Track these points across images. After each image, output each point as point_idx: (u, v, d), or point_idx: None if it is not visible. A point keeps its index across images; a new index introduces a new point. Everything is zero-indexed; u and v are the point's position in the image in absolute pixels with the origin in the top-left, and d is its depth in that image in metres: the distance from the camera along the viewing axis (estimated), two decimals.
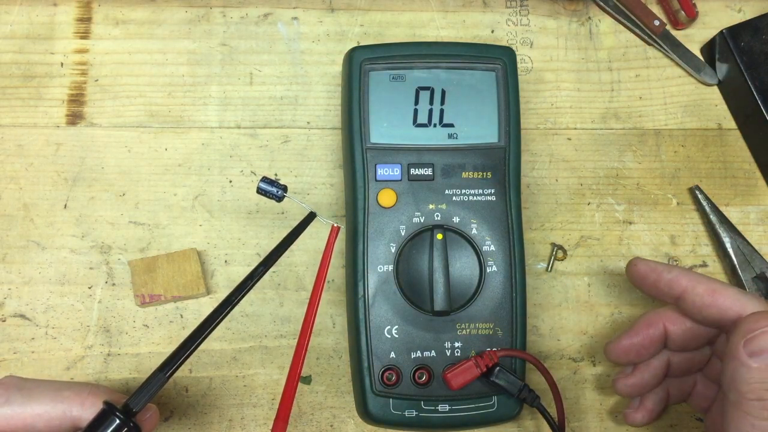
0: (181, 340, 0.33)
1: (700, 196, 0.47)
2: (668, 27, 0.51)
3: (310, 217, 0.38)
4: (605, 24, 0.51)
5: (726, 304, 0.35)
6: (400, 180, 0.42)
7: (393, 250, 0.41)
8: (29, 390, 0.33)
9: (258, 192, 0.38)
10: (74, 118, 0.47)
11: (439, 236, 0.40)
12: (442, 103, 0.43)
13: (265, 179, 0.38)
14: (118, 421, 0.31)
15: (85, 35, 0.49)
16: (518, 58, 0.48)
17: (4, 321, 0.44)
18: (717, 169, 0.49)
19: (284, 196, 0.38)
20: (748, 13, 0.51)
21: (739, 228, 0.47)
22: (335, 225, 0.39)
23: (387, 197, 0.41)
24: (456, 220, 0.41)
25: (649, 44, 0.51)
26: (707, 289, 0.36)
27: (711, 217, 0.47)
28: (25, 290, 0.45)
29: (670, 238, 0.47)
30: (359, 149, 0.42)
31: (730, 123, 0.50)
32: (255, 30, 0.50)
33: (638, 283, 0.39)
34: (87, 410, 0.32)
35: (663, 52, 0.51)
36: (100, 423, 0.31)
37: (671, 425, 0.44)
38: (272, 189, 0.38)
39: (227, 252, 0.46)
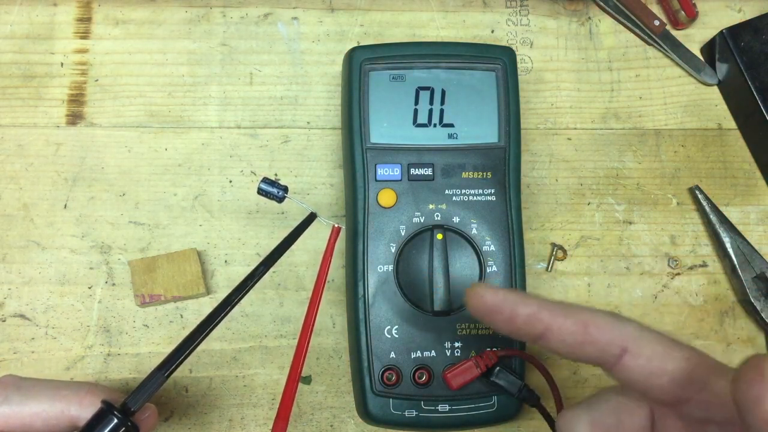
0: (182, 340, 0.33)
1: (700, 196, 0.47)
2: (668, 27, 0.51)
3: (311, 217, 0.38)
4: (605, 24, 0.51)
5: (604, 340, 0.27)
6: (400, 180, 0.42)
7: (393, 250, 0.41)
8: (27, 389, 0.32)
9: (259, 193, 0.38)
10: (74, 118, 0.47)
11: (439, 236, 0.40)
12: (442, 103, 0.43)
13: (265, 180, 0.38)
14: (115, 421, 0.31)
15: (85, 35, 0.49)
16: (518, 58, 0.48)
17: (4, 321, 0.44)
18: (717, 169, 0.49)
19: (285, 197, 0.38)
20: (748, 13, 0.51)
21: (739, 228, 0.47)
22: (336, 225, 0.39)
23: (387, 197, 0.41)
24: (456, 220, 0.41)
25: (649, 44, 0.51)
26: (577, 323, 0.28)
27: (711, 217, 0.47)
28: (25, 290, 0.45)
29: (670, 238, 0.48)
30: (359, 149, 0.42)
31: (730, 123, 0.50)
32: (255, 30, 0.50)
33: (488, 319, 0.30)
34: (85, 409, 0.32)
35: (663, 52, 0.51)
36: (97, 422, 0.31)
37: None
38: (273, 190, 0.38)
39: (227, 252, 0.46)
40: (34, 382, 0.33)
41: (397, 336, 0.40)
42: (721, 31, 0.49)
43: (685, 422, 0.28)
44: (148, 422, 0.33)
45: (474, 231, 0.41)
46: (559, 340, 0.28)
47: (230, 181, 0.47)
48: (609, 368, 0.28)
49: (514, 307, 0.28)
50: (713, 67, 0.50)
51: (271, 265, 0.35)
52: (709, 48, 0.50)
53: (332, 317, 0.45)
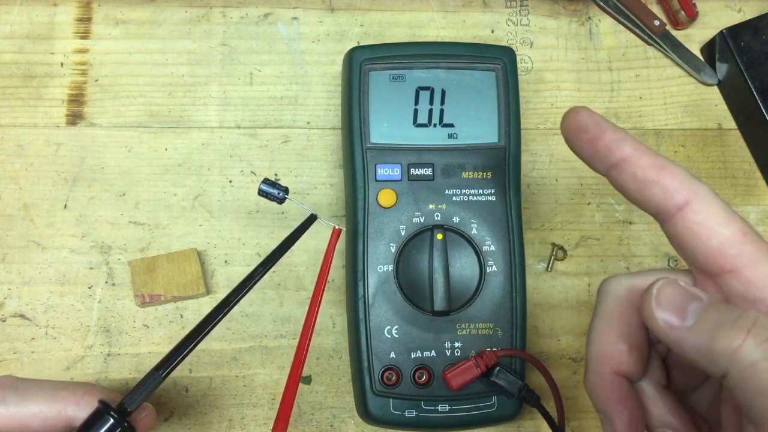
0: (180, 340, 0.33)
1: None
2: (668, 27, 0.51)
3: (311, 219, 0.38)
4: (605, 24, 0.51)
5: (673, 185, 0.28)
6: (400, 180, 0.42)
7: (393, 250, 0.41)
8: (25, 389, 0.32)
9: (259, 194, 0.38)
10: (74, 118, 0.47)
11: (439, 236, 0.40)
12: (442, 103, 0.43)
13: (266, 181, 0.38)
14: (112, 421, 0.31)
15: (85, 35, 0.49)
16: (518, 58, 0.48)
17: (4, 321, 0.44)
18: (717, 169, 0.49)
19: (285, 198, 0.38)
20: (748, 13, 0.51)
21: None
22: (337, 227, 0.39)
23: (387, 197, 0.41)
24: (456, 220, 0.41)
25: (649, 44, 0.51)
26: (653, 162, 0.28)
27: None
28: (25, 290, 0.45)
29: None
30: (359, 149, 0.42)
31: (730, 123, 0.50)
32: (255, 30, 0.50)
33: (573, 136, 0.30)
34: (82, 410, 0.32)
35: (663, 52, 0.51)
36: (94, 422, 0.31)
37: None
38: (273, 191, 0.38)
39: (227, 252, 0.46)
40: (31, 382, 0.33)
41: (397, 336, 0.40)
42: (721, 31, 0.49)
43: (724, 296, 0.28)
44: (145, 422, 0.33)
45: (474, 231, 0.41)
46: (631, 174, 0.28)
47: (230, 181, 0.47)
48: (667, 218, 0.28)
49: (603, 130, 0.29)
50: (713, 67, 0.50)
51: (271, 267, 0.35)
52: (709, 48, 0.50)
53: (332, 317, 0.45)
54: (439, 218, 0.41)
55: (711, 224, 0.27)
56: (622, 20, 0.51)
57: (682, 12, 0.50)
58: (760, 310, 0.25)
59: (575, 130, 0.30)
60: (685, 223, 0.27)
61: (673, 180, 0.28)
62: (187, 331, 0.33)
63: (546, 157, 0.49)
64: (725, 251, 0.26)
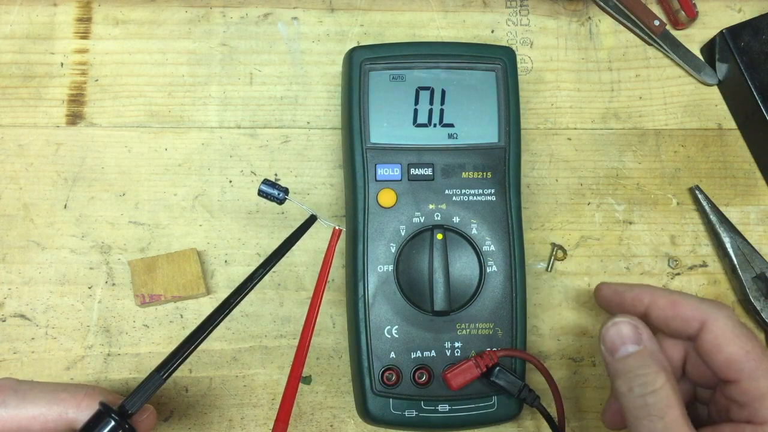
0: (181, 340, 0.33)
1: (700, 196, 0.47)
2: (668, 27, 0.51)
3: (311, 219, 0.38)
4: (605, 24, 0.51)
5: (687, 314, 0.34)
6: (400, 180, 0.42)
7: (393, 250, 0.41)
8: (25, 392, 0.33)
9: (259, 194, 0.38)
10: (74, 118, 0.47)
11: (439, 236, 0.40)
12: (442, 103, 0.43)
13: (266, 182, 0.38)
14: (113, 423, 0.31)
15: (85, 35, 0.49)
16: (518, 58, 0.48)
17: (4, 321, 0.44)
18: (717, 169, 0.49)
19: (285, 198, 0.38)
20: (748, 13, 0.51)
21: (739, 228, 0.47)
22: (337, 228, 0.39)
23: (387, 197, 0.41)
24: (456, 220, 0.41)
25: (649, 44, 0.51)
26: (668, 301, 0.35)
27: (711, 217, 0.47)
28: (25, 290, 0.45)
29: (670, 238, 0.48)
30: (359, 149, 0.42)
31: (730, 123, 0.50)
32: (255, 30, 0.50)
33: (606, 307, 0.39)
34: (83, 412, 0.32)
35: (663, 52, 0.51)
36: (95, 424, 0.31)
37: None
38: (273, 192, 0.38)
39: (227, 252, 0.46)
40: (31, 385, 0.33)
41: (397, 336, 0.40)
42: (721, 31, 0.49)
43: (723, 396, 0.34)
44: (146, 424, 0.33)
45: (474, 231, 0.41)
46: (655, 316, 0.35)
47: (230, 181, 0.47)
48: (693, 340, 0.34)
49: (622, 294, 0.37)
50: (713, 67, 0.50)
51: (271, 268, 0.35)
52: (709, 48, 0.50)
53: (332, 317, 0.45)
54: (439, 218, 0.41)
55: (719, 343, 0.33)
56: (622, 20, 0.51)
57: (682, 12, 0.50)
58: (750, 417, 0.32)
59: (605, 303, 0.39)
60: (701, 342, 0.33)
61: (686, 311, 0.34)
62: (187, 332, 0.33)
63: (546, 157, 0.49)
64: (730, 366, 0.32)
